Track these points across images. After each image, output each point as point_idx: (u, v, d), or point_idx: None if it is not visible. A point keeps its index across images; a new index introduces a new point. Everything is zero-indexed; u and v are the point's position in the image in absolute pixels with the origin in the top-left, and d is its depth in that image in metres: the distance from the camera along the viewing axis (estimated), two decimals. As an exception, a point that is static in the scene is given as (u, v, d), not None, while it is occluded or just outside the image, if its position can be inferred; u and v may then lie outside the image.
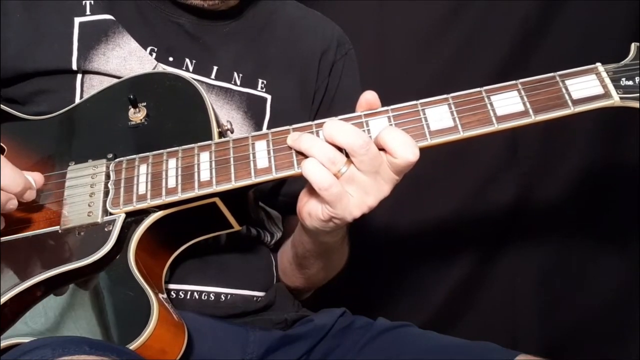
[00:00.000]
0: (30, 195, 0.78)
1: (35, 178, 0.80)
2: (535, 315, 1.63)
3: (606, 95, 0.76)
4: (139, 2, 0.99)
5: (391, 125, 0.76)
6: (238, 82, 1.01)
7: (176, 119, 0.88)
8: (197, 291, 0.93)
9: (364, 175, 0.74)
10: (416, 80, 1.53)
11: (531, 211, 1.61)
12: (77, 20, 0.96)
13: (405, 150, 0.72)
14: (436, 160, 1.55)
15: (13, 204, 0.76)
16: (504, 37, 1.54)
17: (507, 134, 1.56)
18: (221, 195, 0.80)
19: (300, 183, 0.80)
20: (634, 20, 1.49)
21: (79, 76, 0.94)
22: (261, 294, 0.99)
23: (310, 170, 0.73)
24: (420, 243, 1.60)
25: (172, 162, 0.81)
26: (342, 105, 1.04)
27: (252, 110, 1.01)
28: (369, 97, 0.78)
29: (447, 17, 1.55)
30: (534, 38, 1.54)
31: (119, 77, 0.94)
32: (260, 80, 1.02)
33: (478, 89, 0.77)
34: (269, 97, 1.02)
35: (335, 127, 0.74)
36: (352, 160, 0.73)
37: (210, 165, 0.79)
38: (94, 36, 0.95)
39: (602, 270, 1.62)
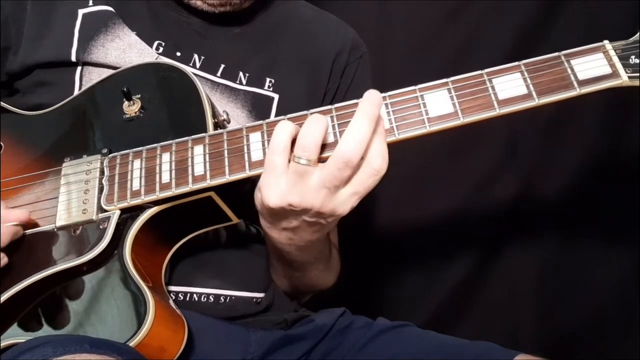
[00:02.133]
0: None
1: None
2: (535, 315, 1.62)
3: (614, 74, 0.72)
4: (150, 1, 0.99)
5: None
6: (243, 82, 1.00)
7: (171, 110, 0.86)
8: (196, 293, 0.92)
9: (316, 181, 0.71)
10: (417, 80, 1.52)
11: (531, 210, 1.60)
12: (81, 12, 0.95)
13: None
14: (436, 159, 1.54)
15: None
16: (506, 36, 1.53)
17: (507, 132, 1.56)
18: (216, 189, 0.78)
19: None
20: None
21: (79, 68, 0.94)
22: (260, 295, 0.97)
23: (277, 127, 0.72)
24: (420, 243, 1.60)
25: (165, 157, 0.79)
26: None
27: (257, 109, 1.00)
28: None
29: (447, 17, 1.54)
30: (535, 37, 1.52)
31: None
32: (267, 80, 1.01)
33: (479, 72, 0.75)
34: (276, 96, 1.01)
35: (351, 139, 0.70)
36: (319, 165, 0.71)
37: (204, 159, 0.77)
38: (94, 27, 0.94)
39: (602, 270, 1.61)
